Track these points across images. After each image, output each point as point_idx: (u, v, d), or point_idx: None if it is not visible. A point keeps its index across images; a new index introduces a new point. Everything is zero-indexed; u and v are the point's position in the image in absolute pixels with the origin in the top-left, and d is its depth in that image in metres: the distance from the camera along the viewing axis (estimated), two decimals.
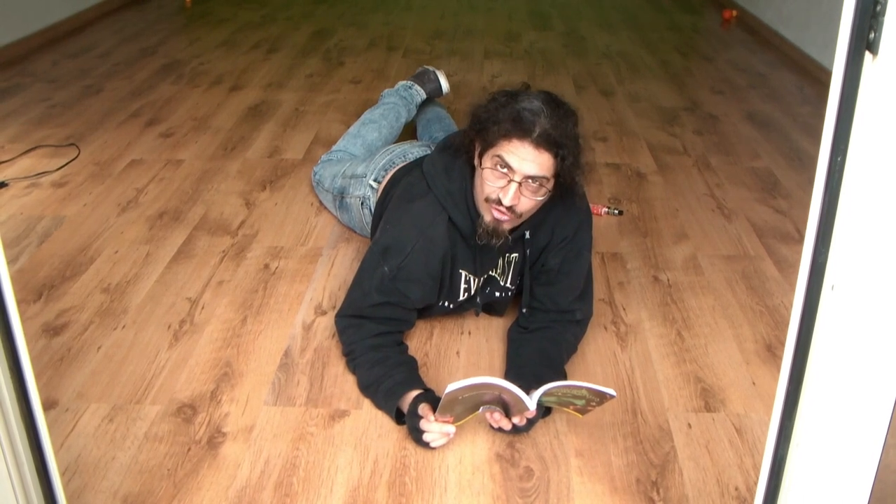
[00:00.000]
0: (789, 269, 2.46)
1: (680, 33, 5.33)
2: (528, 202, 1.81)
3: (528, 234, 1.95)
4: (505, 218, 1.82)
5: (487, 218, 1.85)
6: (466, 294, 2.02)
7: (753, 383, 1.97)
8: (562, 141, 1.74)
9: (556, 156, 1.75)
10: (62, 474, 1.64)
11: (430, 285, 1.92)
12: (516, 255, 2.01)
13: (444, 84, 3.11)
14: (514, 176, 1.76)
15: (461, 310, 2.10)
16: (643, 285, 2.37)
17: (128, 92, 3.94)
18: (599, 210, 2.76)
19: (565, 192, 1.87)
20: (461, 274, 1.97)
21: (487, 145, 1.79)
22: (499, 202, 1.79)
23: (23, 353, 1.09)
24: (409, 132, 3.07)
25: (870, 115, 0.93)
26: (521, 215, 1.84)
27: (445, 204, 1.90)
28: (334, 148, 2.86)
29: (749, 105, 3.93)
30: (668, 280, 2.39)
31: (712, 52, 4.93)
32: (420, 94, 3.06)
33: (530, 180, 1.77)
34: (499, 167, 1.77)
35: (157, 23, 5.34)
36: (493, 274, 2.03)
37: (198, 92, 3.96)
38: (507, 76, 4.27)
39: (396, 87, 3.10)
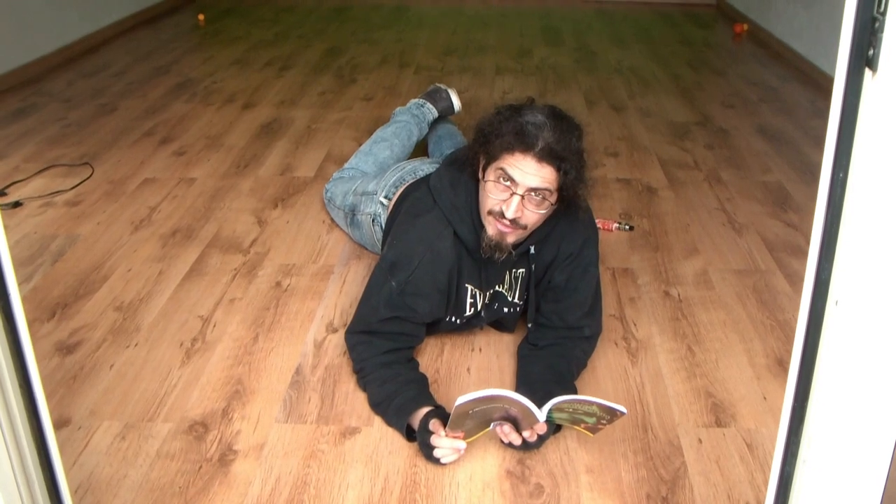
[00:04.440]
0: (800, 283, 2.43)
1: (691, 48, 5.33)
2: (531, 215, 1.81)
3: (532, 250, 1.96)
4: (508, 230, 1.83)
5: (491, 231, 1.86)
6: (473, 309, 2.02)
7: (764, 398, 1.96)
8: (564, 155, 1.75)
9: (558, 169, 1.76)
10: (74, 492, 1.65)
11: (437, 299, 1.93)
12: (523, 270, 2.01)
13: (456, 102, 3.12)
14: (516, 189, 1.77)
15: (469, 326, 2.10)
16: (654, 300, 2.36)
17: (141, 110, 3.97)
18: (610, 225, 2.76)
19: (569, 207, 1.88)
20: (467, 288, 1.98)
21: (491, 158, 1.81)
22: (501, 215, 1.80)
23: (33, 371, 1.10)
24: (420, 149, 3.08)
25: (871, 130, 0.94)
26: (524, 227, 1.84)
27: (451, 218, 1.91)
28: (346, 166, 2.87)
29: (760, 119, 3.92)
30: (679, 295, 2.39)
31: (724, 66, 4.93)
32: (432, 112, 3.07)
33: (533, 193, 1.78)
34: (501, 180, 1.79)
35: (171, 41, 5.40)
36: (501, 289, 2.04)
37: (211, 110, 3.99)
38: (519, 92, 4.28)
39: (408, 105, 3.11)
